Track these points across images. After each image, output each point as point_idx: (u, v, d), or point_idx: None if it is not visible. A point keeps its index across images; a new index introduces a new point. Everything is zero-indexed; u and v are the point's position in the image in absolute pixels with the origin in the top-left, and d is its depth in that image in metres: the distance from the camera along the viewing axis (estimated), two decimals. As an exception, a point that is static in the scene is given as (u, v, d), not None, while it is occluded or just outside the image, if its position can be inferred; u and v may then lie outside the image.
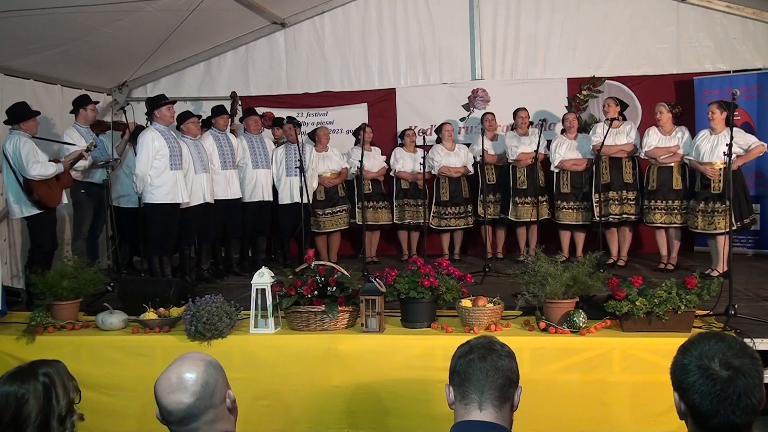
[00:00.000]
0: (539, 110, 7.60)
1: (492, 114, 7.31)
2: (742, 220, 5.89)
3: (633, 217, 6.51)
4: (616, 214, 6.49)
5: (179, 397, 1.72)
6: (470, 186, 7.30)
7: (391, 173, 7.45)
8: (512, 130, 7.25)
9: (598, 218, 6.40)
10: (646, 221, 6.43)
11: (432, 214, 7.22)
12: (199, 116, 6.80)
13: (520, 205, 6.97)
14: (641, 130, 6.65)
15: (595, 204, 6.51)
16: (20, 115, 5.58)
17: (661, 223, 6.31)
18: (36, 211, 5.54)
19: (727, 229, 5.40)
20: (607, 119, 6.56)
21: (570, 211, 6.78)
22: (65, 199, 5.90)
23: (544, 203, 6.92)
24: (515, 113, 7.14)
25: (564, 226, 6.86)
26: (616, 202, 6.50)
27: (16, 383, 1.80)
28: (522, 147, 6.96)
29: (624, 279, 4.03)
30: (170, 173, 5.95)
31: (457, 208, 7.23)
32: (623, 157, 6.53)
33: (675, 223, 6.27)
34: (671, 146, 6.25)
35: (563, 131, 6.97)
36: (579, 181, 6.75)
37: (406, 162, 7.34)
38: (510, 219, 7.05)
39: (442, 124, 7.44)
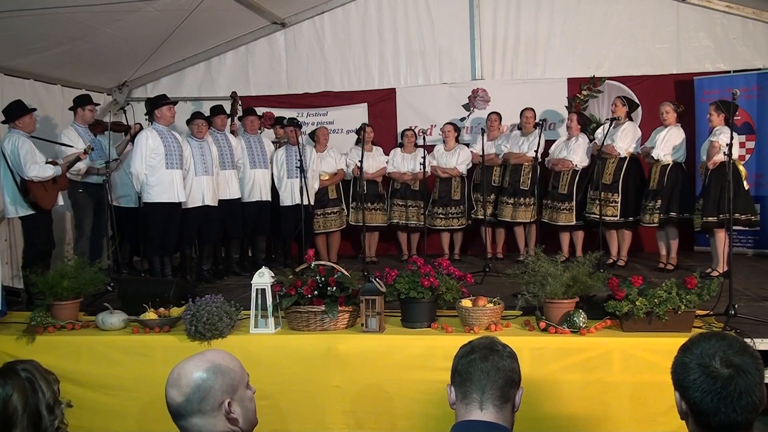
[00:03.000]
0: (539, 110, 7.59)
1: (496, 114, 7.33)
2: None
3: (615, 219, 6.46)
4: (595, 214, 6.39)
5: (173, 392, 1.69)
6: (467, 186, 7.30)
7: (386, 173, 7.48)
8: (518, 129, 7.26)
9: (586, 216, 6.47)
10: (642, 222, 6.44)
11: (426, 213, 7.25)
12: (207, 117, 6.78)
13: (504, 205, 7.01)
14: (641, 130, 6.65)
15: (590, 202, 6.53)
16: (16, 112, 5.58)
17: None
18: (30, 212, 5.54)
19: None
20: (608, 119, 6.57)
21: (563, 212, 6.78)
22: (60, 201, 5.90)
23: (533, 204, 6.90)
24: (522, 113, 7.14)
25: (557, 227, 6.87)
26: (597, 203, 6.43)
27: None
28: (514, 148, 7.00)
29: (624, 279, 4.02)
30: (166, 172, 5.93)
31: (446, 208, 7.24)
32: (610, 157, 6.49)
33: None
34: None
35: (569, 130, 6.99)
36: (569, 182, 6.76)
37: (398, 162, 7.37)
38: (506, 219, 7.08)
39: (445, 124, 7.46)
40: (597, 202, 6.38)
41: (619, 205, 6.45)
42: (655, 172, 6.30)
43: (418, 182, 7.25)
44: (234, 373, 1.74)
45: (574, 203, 6.70)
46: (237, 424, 1.72)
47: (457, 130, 7.50)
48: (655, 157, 6.23)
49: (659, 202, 6.19)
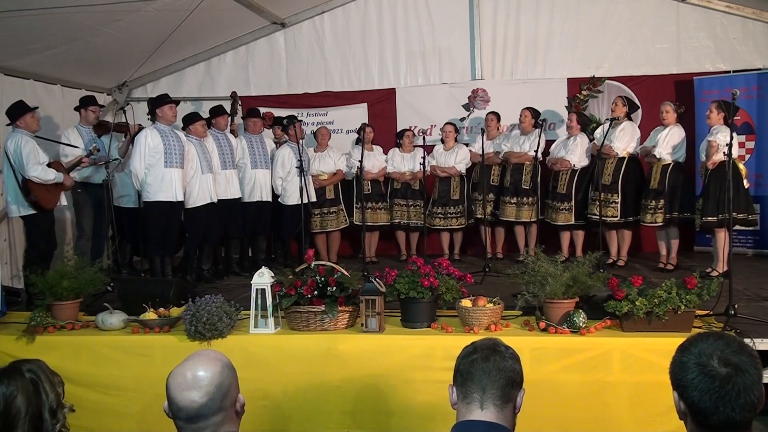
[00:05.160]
0: (539, 110, 7.59)
1: (494, 114, 7.32)
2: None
3: (615, 219, 6.46)
4: (595, 215, 6.38)
5: (192, 395, 1.70)
6: (467, 186, 7.30)
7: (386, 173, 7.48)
8: (518, 129, 7.26)
9: (589, 217, 6.46)
10: (643, 221, 6.44)
11: (426, 213, 7.25)
12: (207, 118, 6.77)
13: (506, 205, 7.02)
14: (641, 130, 6.65)
15: (590, 202, 6.53)
16: (18, 112, 5.58)
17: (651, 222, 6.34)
18: (32, 212, 5.54)
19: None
20: (607, 119, 6.57)
21: (563, 212, 6.78)
22: (63, 201, 5.90)
23: (536, 203, 6.90)
24: (521, 112, 7.13)
25: (557, 226, 6.87)
26: (597, 203, 6.41)
27: (2, 383, 1.80)
28: (515, 147, 7.00)
29: (624, 279, 4.03)
30: (164, 170, 5.91)
31: (445, 208, 7.24)
32: (608, 158, 6.48)
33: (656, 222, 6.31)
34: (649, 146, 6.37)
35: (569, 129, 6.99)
36: (568, 182, 6.76)
37: (396, 162, 7.36)
38: (503, 218, 7.09)
39: (445, 124, 7.46)
40: (597, 202, 6.35)
41: (618, 205, 6.43)
42: (656, 172, 6.30)
43: (418, 182, 7.25)
44: (235, 369, 1.84)
45: (573, 203, 6.70)
46: (240, 416, 1.84)
47: (457, 130, 7.50)
48: (657, 156, 6.22)
49: (661, 201, 6.19)
